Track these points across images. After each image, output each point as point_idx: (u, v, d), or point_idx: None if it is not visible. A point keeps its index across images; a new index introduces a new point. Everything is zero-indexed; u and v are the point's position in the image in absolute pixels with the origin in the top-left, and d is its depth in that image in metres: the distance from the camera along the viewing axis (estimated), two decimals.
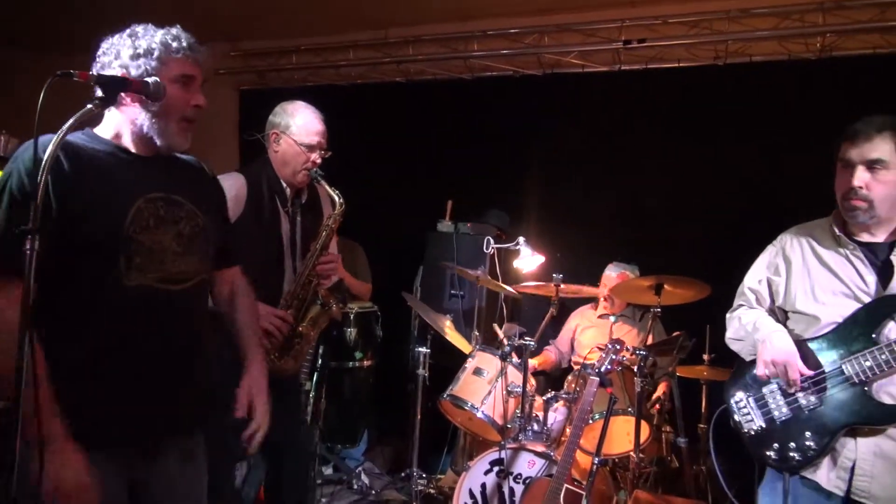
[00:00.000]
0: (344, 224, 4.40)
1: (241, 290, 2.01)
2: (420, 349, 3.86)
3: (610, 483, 3.31)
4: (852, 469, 1.85)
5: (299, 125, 2.55)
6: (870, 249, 1.95)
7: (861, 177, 1.87)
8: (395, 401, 4.29)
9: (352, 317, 3.98)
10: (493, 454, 3.11)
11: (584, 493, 2.62)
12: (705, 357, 3.47)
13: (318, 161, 2.56)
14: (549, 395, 3.34)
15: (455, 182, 4.77)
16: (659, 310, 3.32)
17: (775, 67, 4.14)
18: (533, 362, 3.95)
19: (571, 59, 4.63)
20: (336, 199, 2.54)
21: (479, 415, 3.32)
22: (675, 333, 3.36)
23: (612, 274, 4.00)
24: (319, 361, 3.64)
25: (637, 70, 4.49)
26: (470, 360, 3.49)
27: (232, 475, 2.72)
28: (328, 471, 4.17)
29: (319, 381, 3.66)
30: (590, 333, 4.06)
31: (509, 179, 4.68)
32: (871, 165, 1.87)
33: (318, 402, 3.68)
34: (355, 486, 3.95)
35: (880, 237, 1.95)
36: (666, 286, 3.30)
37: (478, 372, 3.42)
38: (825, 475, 1.90)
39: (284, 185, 2.59)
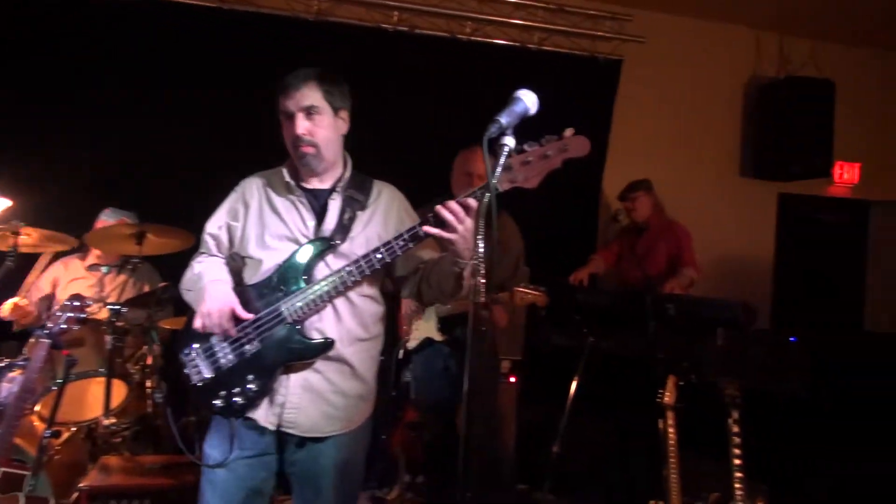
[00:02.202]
0: None
1: None
2: None
3: (86, 450, 3.01)
4: (283, 404, 1.97)
5: None
6: (314, 195, 2.08)
7: (302, 124, 1.99)
8: None
9: None
10: None
11: (28, 473, 2.28)
12: None
13: None
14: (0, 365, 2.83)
15: None
16: (138, 260, 3.10)
17: (278, 22, 4.24)
18: None
19: None
20: None
21: None
22: (160, 285, 3.20)
23: (110, 220, 3.59)
24: None
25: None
26: None
27: None
28: None
29: None
30: (77, 286, 3.55)
31: None
32: (308, 112, 1.99)
33: None
34: None
35: (326, 184, 2.09)
36: (150, 235, 3.09)
37: None
38: (263, 413, 1.97)
39: None
